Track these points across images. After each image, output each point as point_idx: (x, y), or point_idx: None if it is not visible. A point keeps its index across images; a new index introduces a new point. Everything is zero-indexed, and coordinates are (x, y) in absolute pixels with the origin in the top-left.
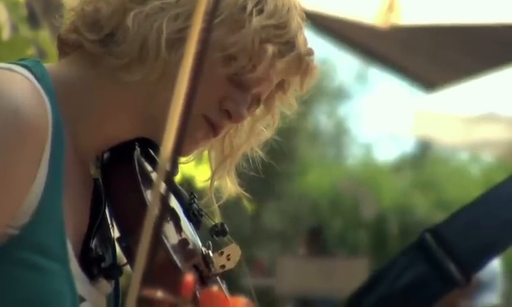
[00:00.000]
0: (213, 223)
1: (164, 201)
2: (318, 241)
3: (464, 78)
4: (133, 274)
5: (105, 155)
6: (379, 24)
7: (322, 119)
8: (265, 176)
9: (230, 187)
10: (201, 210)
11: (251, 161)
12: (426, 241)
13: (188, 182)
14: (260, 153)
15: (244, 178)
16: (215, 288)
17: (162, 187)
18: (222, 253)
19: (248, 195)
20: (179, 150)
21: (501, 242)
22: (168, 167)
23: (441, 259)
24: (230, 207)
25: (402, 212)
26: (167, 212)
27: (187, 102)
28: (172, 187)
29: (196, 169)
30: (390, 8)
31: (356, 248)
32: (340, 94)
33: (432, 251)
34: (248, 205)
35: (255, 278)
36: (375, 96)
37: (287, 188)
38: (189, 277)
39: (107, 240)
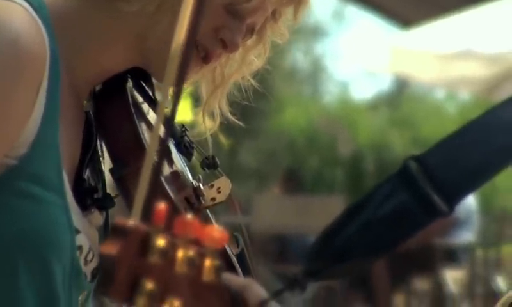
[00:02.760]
0: (204, 156)
1: (164, 139)
2: (294, 179)
3: (441, 15)
4: (133, 209)
5: (97, 88)
6: None
7: (298, 57)
8: (242, 114)
9: (208, 122)
10: (193, 143)
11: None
12: (410, 169)
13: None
14: (250, 80)
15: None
16: (189, 215)
17: (161, 124)
18: (212, 186)
19: (224, 132)
20: (182, 81)
21: (485, 171)
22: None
23: (425, 188)
24: (205, 144)
25: (378, 150)
26: (165, 150)
27: (189, 32)
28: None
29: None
30: None
31: (332, 185)
32: (316, 32)
33: (416, 178)
34: (224, 141)
35: (230, 215)
36: (352, 33)
37: (263, 126)
38: (161, 206)
39: (98, 172)
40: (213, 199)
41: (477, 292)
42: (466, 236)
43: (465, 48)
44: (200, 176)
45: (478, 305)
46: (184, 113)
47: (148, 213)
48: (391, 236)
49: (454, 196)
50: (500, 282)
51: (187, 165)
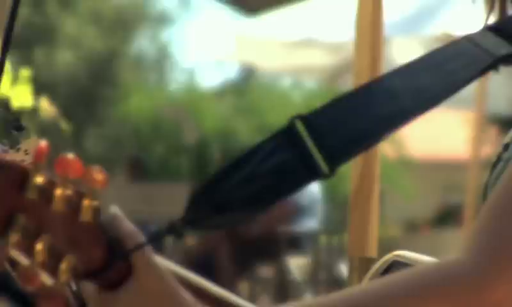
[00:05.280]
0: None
1: None
2: (139, 166)
3: (287, 3)
4: None
5: None
6: None
7: (144, 44)
8: (86, 101)
9: (47, 108)
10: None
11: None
12: (296, 127)
13: (4, 102)
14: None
15: (64, 102)
16: (71, 155)
17: None
18: (19, 149)
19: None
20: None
21: (368, 137)
22: None
23: (309, 147)
24: (49, 131)
25: (224, 138)
26: None
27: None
28: None
29: (12, 90)
30: None
31: (177, 173)
32: (163, 20)
33: (300, 137)
34: (65, 127)
35: None
36: (198, 21)
37: (108, 113)
38: (43, 143)
39: None
40: (22, 161)
41: (321, 279)
42: (310, 223)
43: (309, 36)
44: (5, 140)
45: (322, 291)
46: (24, 98)
47: None
48: (271, 192)
49: (336, 159)
50: (344, 269)
51: None
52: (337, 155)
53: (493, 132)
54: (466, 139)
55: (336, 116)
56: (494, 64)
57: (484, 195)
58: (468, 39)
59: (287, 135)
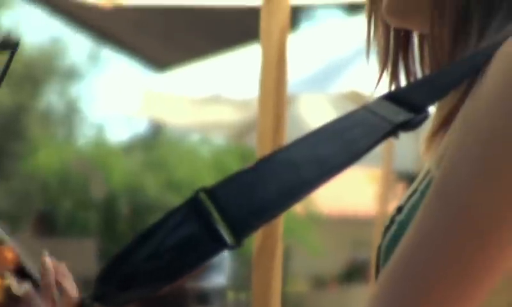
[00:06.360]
0: None
1: None
2: (47, 221)
3: (195, 59)
4: None
5: None
6: (103, 4)
7: (53, 98)
8: None
9: None
10: None
11: None
12: (200, 200)
13: None
14: None
15: None
16: None
17: None
18: None
19: None
20: None
21: (272, 209)
22: None
23: (215, 219)
24: None
25: (133, 193)
26: None
27: None
28: None
29: None
30: None
31: (85, 228)
32: (72, 74)
33: (205, 210)
34: None
35: None
36: (107, 76)
37: (15, 167)
38: None
39: None
40: None
41: None
42: (218, 279)
43: (216, 93)
44: None
45: None
46: None
47: None
48: (179, 265)
49: (241, 230)
50: None
51: None
52: (242, 227)
53: (400, 188)
54: (374, 195)
55: (239, 188)
56: (393, 130)
57: (378, 257)
58: (366, 108)
59: (192, 208)
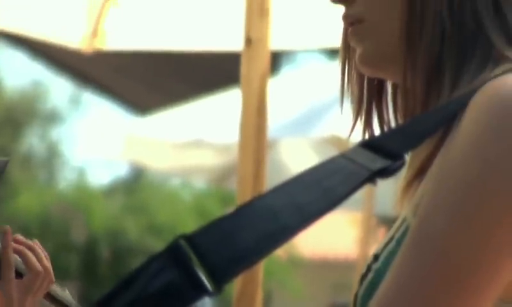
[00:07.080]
0: None
1: None
2: None
3: (176, 103)
4: None
5: None
6: (84, 49)
7: (34, 141)
8: None
9: None
10: None
11: None
12: (180, 247)
13: None
14: None
15: None
16: None
17: None
18: None
19: None
20: None
21: (252, 255)
22: None
23: (194, 267)
24: None
25: (113, 236)
26: None
27: None
28: None
29: None
30: (94, 33)
31: (66, 272)
32: (53, 117)
33: (185, 257)
34: None
35: None
36: (89, 119)
37: None
38: None
39: None
40: None
41: None
42: None
43: (197, 137)
44: None
45: None
46: None
47: None
48: None
49: (221, 277)
50: None
51: None
52: (222, 273)
53: (380, 232)
54: (355, 239)
55: (219, 234)
56: (371, 177)
57: (354, 305)
58: (344, 156)
59: (172, 254)
